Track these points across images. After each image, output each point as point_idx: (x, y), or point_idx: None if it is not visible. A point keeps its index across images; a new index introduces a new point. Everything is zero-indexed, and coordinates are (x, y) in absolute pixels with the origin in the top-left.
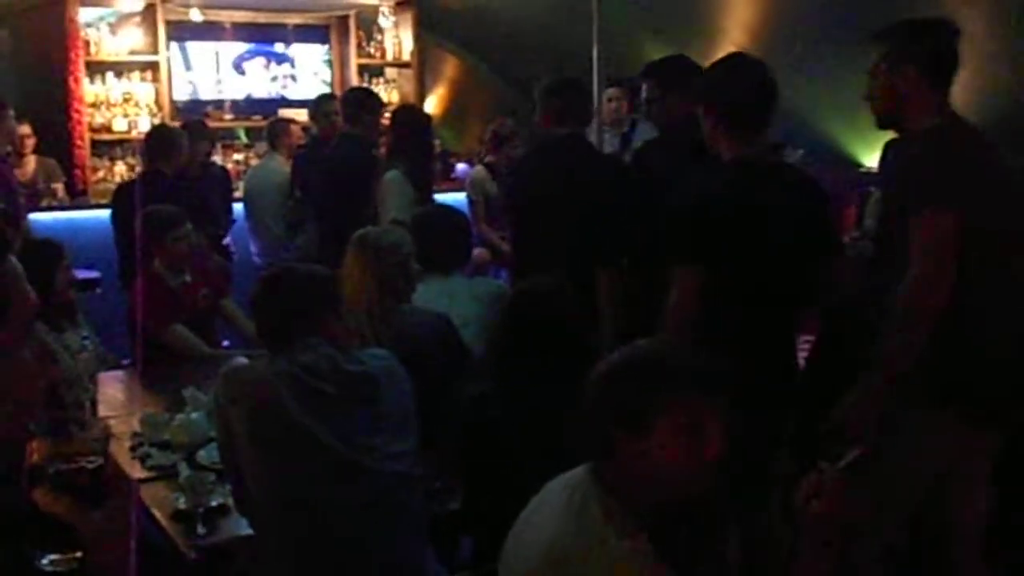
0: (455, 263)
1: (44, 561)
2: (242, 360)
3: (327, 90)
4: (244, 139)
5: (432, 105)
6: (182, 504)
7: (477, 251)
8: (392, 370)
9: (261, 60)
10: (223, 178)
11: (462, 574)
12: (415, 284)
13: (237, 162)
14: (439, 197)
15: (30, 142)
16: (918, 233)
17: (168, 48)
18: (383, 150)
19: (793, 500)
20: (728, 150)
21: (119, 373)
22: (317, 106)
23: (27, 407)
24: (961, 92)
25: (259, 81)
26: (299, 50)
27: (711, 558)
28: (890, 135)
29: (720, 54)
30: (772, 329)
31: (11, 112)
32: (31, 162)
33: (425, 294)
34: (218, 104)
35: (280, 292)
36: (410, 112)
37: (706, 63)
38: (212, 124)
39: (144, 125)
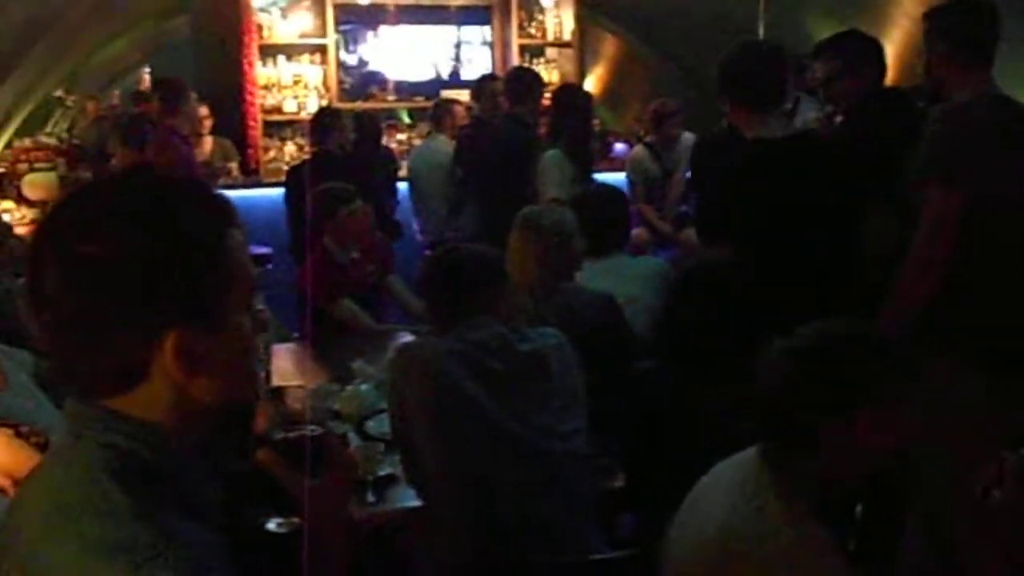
0: (616, 243)
1: (271, 525)
2: (413, 336)
3: (489, 71)
4: (407, 120)
5: (591, 85)
6: None
7: (636, 231)
8: (562, 348)
9: (425, 42)
10: (388, 159)
11: (626, 552)
12: (579, 263)
13: (400, 142)
14: (597, 177)
15: (208, 123)
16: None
17: (336, 31)
18: (543, 130)
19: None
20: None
21: (290, 345)
22: (480, 86)
23: (252, 375)
24: None
25: (422, 62)
26: (462, 32)
27: (883, 546)
28: None
29: (891, 32)
30: None
31: (194, 96)
32: (208, 142)
33: (587, 274)
34: (382, 85)
35: (452, 270)
36: (570, 92)
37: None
38: (376, 105)
39: (312, 106)
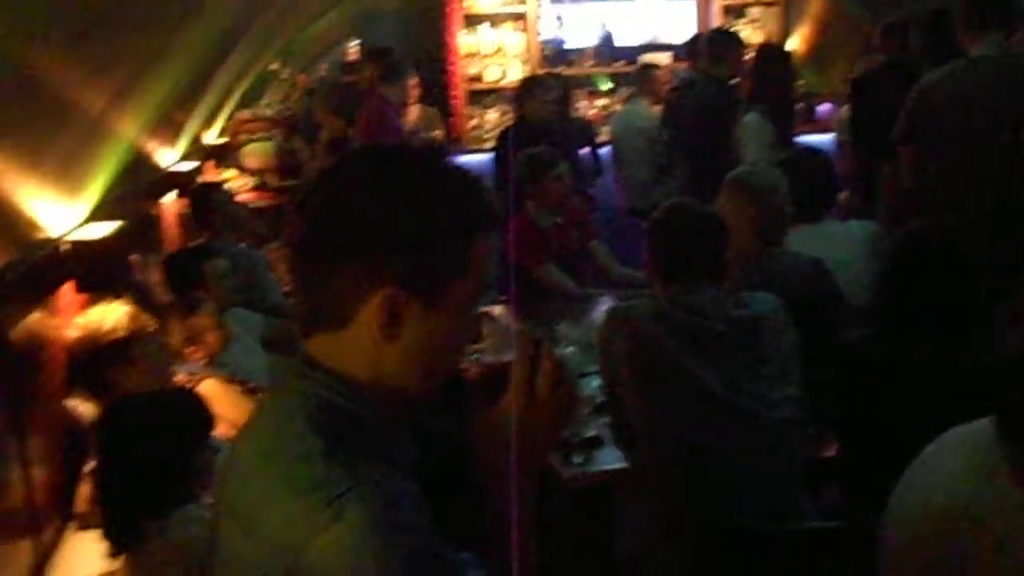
0: (824, 208)
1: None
2: (616, 301)
3: (693, 32)
4: (605, 86)
5: (796, 44)
6: None
7: (843, 194)
8: (777, 314)
9: (625, 6)
10: (586, 128)
11: (837, 522)
12: (788, 227)
13: (601, 108)
14: (800, 139)
15: (415, 92)
16: None
17: None
18: (744, 91)
19: None
20: None
21: (495, 308)
22: (688, 48)
23: (448, 371)
24: None
25: (622, 27)
26: None
27: None
28: None
29: None
30: None
31: (409, 71)
32: (414, 111)
33: (795, 239)
34: (581, 52)
35: (680, 229)
36: (770, 52)
37: None
38: (576, 71)
39: (513, 74)
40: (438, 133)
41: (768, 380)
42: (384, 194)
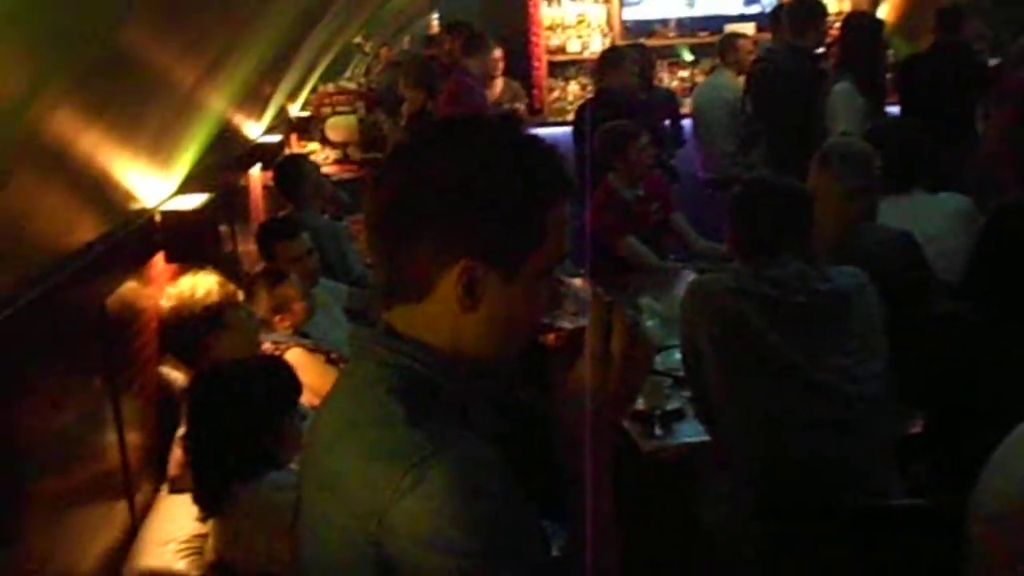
0: (916, 179)
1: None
2: (697, 274)
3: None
4: (688, 57)
5: (885, 11)
6: (640, 405)
7: None
8: (863, 288)
9: None
10: (668, 99)
11: (923, 500)
12: (878, 200)
13: (683, 79)
14: (890, 110)
15: (500, 64)
16: None
17: None
18: (831, 62)
19: None
20: None
21: (575, 280)
22: (774, 18)
23: (527, 339)
24: None
25: None
26: None
27: None
28: None
29: None
30: None
31: (497, 52)
32: (499, 84)
33: (886, 210)
34: (664, 22)
35: (763, 203)
36: (860, 20)
37: None
38: (658, 43)
39: (596, 46)
40: (521, 106)
41: (853, 355)
42: (460, 165)
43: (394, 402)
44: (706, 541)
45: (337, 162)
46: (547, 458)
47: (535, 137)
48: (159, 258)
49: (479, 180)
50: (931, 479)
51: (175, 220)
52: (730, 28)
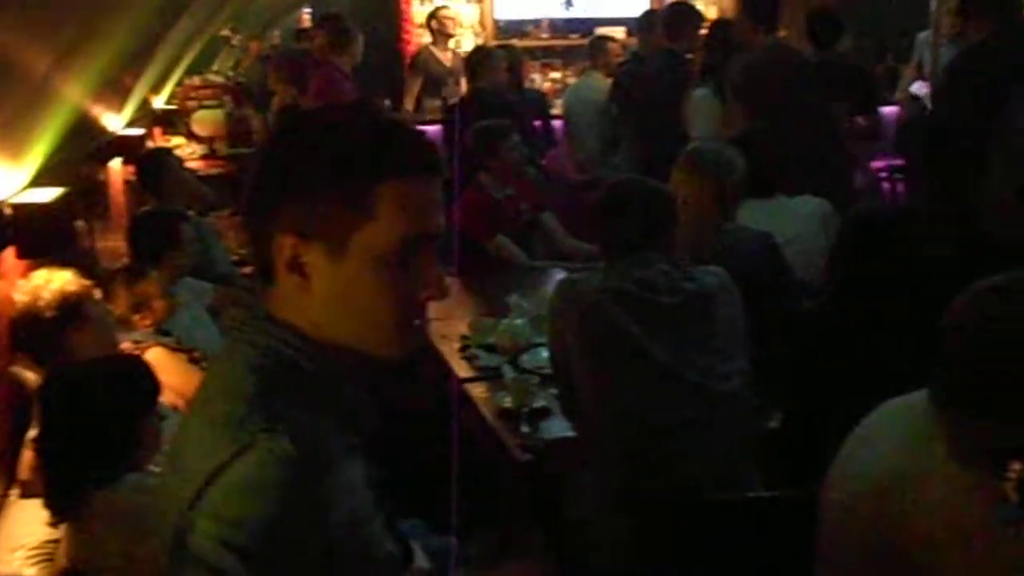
0: (779, 183)
1: None
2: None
3: (647, 6)
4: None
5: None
6: (507, 404)
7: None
8: (726, 288)
9: None
10: (538, 100)
11: (780, 492)
12: (740, 203)
13: (554, 80)
14: None
15: None
16: None
17: None
18: (696, 67)
19: None
20: None
21: (447, 280)
22: (640, 22)
23: (382, 327)
24: None
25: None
26: None
27: None
28: None
29: None
30: None
31: (360, 37)
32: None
33: (747, 213)
34: (536, 23)
35: (628, 204)
36: (722, 28)
37: None
38: (530, 44)
39: (468, 45)
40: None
41: (717, 354)
42: (287, 149)
43: (248, 377)
44: (573, 535)
45: (203, 157)
46: (417, 457)
47: (379, 116)
48: (9, 253)
49: (295, 158)
50: (789, 472)
51: (27, 214)
52: (601, 31)
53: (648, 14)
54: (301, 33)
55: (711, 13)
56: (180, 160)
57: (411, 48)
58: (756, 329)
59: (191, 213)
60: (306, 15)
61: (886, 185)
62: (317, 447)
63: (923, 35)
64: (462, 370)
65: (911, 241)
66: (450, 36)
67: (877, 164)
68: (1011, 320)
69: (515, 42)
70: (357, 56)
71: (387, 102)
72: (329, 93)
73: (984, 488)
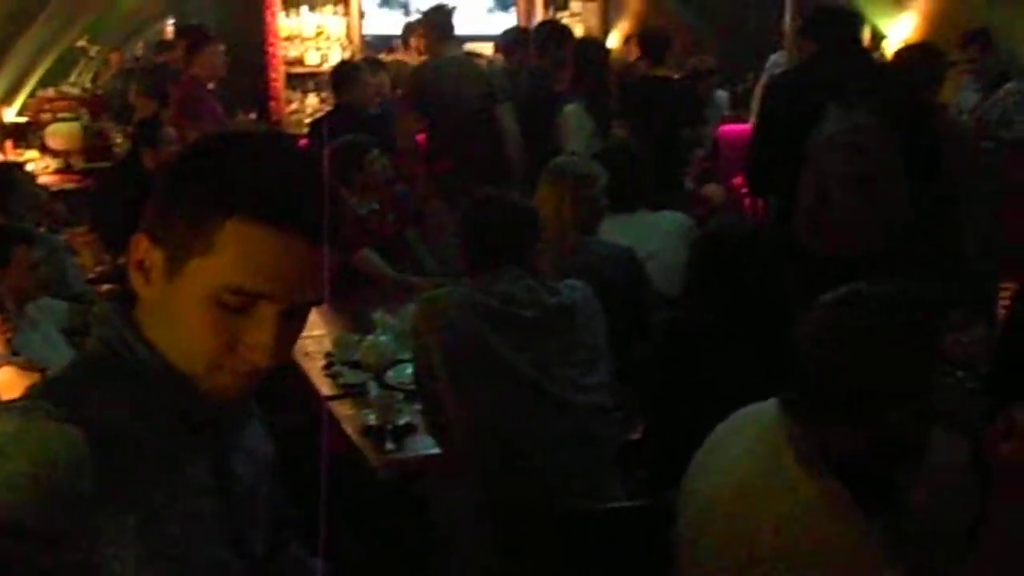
0: (641, 198)
1: None
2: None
3: (514, 24)
4: None
5: (616, 39)
6: (372, 421)
7: (711, 187)
8: (588, 302)
9: None
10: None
11: (641, 501)
12: (602, 217)
13: None
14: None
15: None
16: None
17: None
18: (564, 85)
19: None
20: None
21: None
22: (506, 40)
23: (201, 357)
24: None
25: None
26: None
27: (897, 503)
28: None
29: None
30: None
31: (221, 47)
32: None
33: (608, 228)
34: (404, 38)
35: (490, 219)
36: (589, 46)
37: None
38: (400, 58)
39: (335, 59)
40: (252, 116)
41: (579, 366)
42: (179, 159)
43: (69, 366)
44: (441, 552)
45: (58, 171)
46: (283, 477)
47: (273, 154)
48: None
49: (173, 165)
50: (651, 483)
51: None
52: (469, 47)
53: (516, 31)
54: (162, 45)
55: (578, 31)
56: (31, 175)
57: (276, 61)
58: (618, 342)
59: (42, 230)
60: (169, 27)
61: (748, 201)
62: (104, 441)
63: (774, 56)
64: (326, 388)
65: (757, 256)
66: None
67: (738, 181)
68: (851, 331)
69: (382, 56)
70: (218, 68)
71: (252, 115)
72: (188, 107)
73: (830, 495)
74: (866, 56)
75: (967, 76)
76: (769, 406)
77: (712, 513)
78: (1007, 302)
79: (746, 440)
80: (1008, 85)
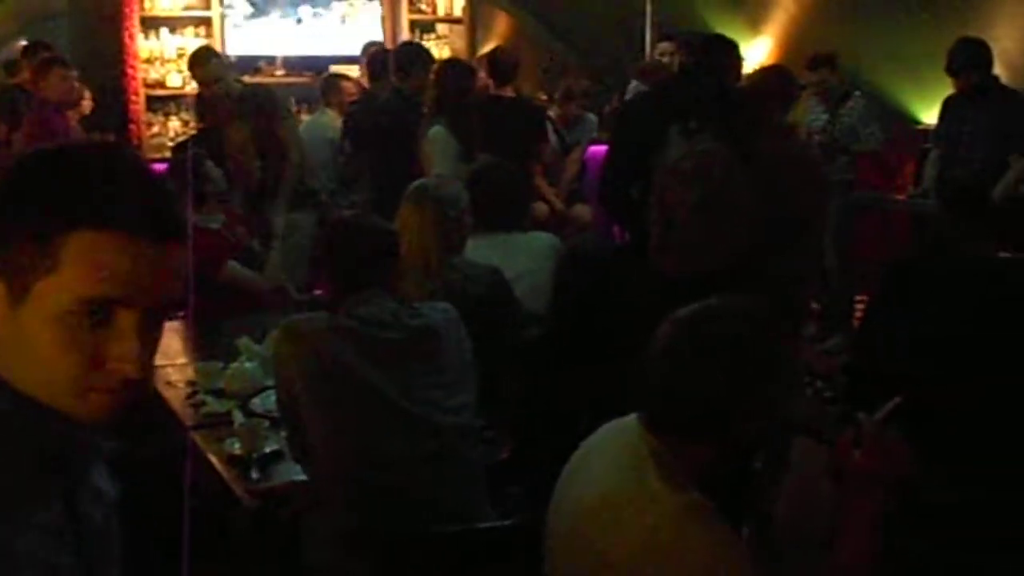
0: (509, 220)
1: None
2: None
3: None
4: None
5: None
6: (237, 450)
7: (536, 204)
8: (452, 323)
9: (312, 15)
10: None
11: (510, 520)
12: (467, 238)
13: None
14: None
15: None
16: None
17: (221, 4)
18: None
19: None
20: None
21: (174, 324)
22: (369, 60)
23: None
24: None
25: (310, 37)
26: (351, 5)
27: (757, 514)
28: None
29: (775, 14)
30: None
31: (73, 72)
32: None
33: (478, 249)
34: (270, 60)
35: (349, 242)
36: (452, 67)
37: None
38: (264, 80)
39: None
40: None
41: (444, 388)
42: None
43: None
44: None
45: None
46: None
47: (106, 160)
48: None
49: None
50: (522, 502)
51: None
52: (335, 69)
53: (379, 53)
54: (11, 65)
55: (444, 53)
56: None
57: (135, 84)
58: (485, 362)
59: None
60: (19, 48)
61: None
62: None
63: (636, 82)
64: (189, 417)
65: (610, 275)
66: None
67: None
68: (698, 345)
69: (246, 78)
70: (68, 92)
71: (111, 137)
72: (37, 131)
73: (693, 508)
74: (716, 81)
75: (814, 98)
76: (632, 421)
77: (578, 527)
78: (861, 314)
79: (610, 455)
80: (850, 102)
